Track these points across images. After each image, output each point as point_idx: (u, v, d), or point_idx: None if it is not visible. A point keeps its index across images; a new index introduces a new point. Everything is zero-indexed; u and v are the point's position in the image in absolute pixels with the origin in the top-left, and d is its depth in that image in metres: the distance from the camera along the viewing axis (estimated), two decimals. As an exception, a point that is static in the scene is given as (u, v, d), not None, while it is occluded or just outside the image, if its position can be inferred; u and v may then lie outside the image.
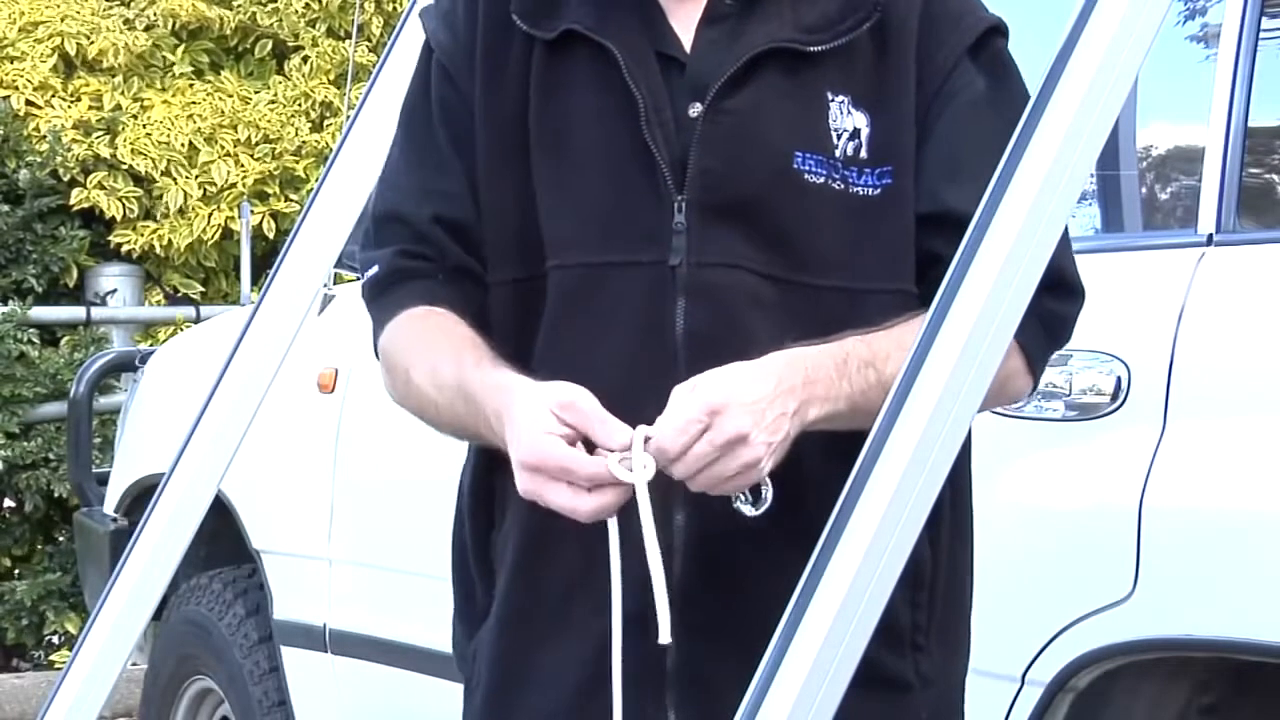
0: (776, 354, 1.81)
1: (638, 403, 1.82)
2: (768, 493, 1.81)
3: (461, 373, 1.89)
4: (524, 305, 1.95)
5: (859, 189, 1.91)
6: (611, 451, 1.77)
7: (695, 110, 1.90)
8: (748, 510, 1.83)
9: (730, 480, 1.78)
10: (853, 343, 1.84)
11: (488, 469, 1.99)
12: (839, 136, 1.91)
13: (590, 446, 1.79)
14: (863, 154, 1.91)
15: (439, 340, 1.93)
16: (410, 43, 2.13)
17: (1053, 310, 1.89)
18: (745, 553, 1.89)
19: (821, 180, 1.90)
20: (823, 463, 1.85)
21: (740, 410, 1.76)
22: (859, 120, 1.91)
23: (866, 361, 1.83)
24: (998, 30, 1.97)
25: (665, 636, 1.77)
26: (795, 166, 1.89)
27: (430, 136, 2.00)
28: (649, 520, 1.76)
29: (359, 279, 2.05)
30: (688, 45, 1.94)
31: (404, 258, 1.99)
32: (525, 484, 1.79)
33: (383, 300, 2.00)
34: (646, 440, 1.77)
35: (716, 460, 1.76)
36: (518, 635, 1.97)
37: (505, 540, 1.99)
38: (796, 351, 1.82)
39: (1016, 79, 1.97)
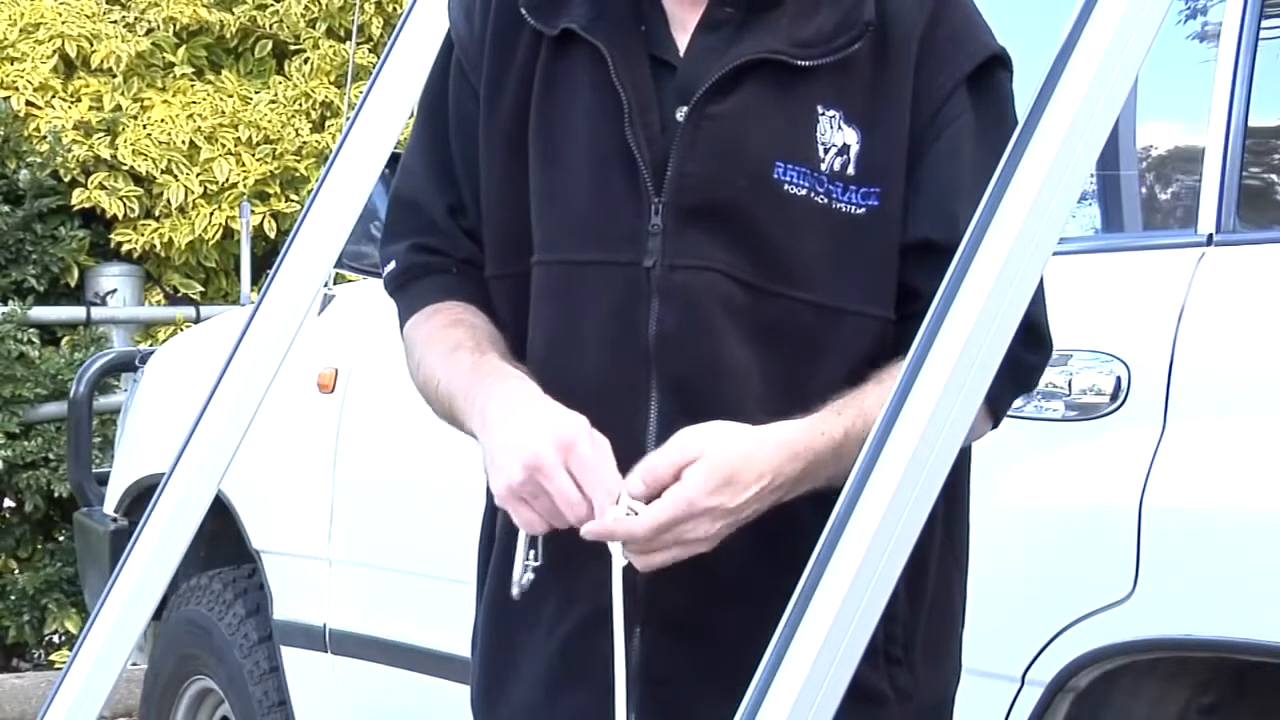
0: (793, 433, 1.80)
1: (612, 403, 1.85)
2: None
3: (452, 374, 1.92)
4: (515, 300, 1.97)
5: (842, 205, 1.89)
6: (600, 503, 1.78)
7: (681, 113, 1.90)
8: (528, 568, 1.84)
9: (662, 552, 1.79)
10: (852, 416, 1.82)
11: None
12: (826, 151, 1.88)
13: None
14: (850, 170, 1.89)
15: (444, 339, 1.97)
16: (412, 43, 2.13)
17: (1023, 359, 1.85)
18: (708, 553, 1.86)
19: (804, 192, 1.88)
20: None
21: (738, 489, 1.77)
22: (849, 137, 1.89)
23: (859, 440, 1.77)
24: (1000, 60, 1.94)
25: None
26: (776, 176, 1.88)
27: (446, 132, 2.02)
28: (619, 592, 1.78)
29: (379, 274, 2.09)
30: (683, 50, 1.93)
31: (418, 252, 2.03)
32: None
33: (402, 295, 2.05)
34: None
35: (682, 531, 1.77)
36: (499, 628, 2.00)
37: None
38: (809, 432, 1.81)
39: (1010, 115, 1.93)
